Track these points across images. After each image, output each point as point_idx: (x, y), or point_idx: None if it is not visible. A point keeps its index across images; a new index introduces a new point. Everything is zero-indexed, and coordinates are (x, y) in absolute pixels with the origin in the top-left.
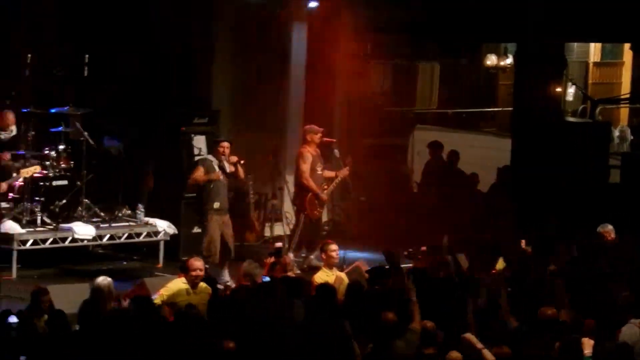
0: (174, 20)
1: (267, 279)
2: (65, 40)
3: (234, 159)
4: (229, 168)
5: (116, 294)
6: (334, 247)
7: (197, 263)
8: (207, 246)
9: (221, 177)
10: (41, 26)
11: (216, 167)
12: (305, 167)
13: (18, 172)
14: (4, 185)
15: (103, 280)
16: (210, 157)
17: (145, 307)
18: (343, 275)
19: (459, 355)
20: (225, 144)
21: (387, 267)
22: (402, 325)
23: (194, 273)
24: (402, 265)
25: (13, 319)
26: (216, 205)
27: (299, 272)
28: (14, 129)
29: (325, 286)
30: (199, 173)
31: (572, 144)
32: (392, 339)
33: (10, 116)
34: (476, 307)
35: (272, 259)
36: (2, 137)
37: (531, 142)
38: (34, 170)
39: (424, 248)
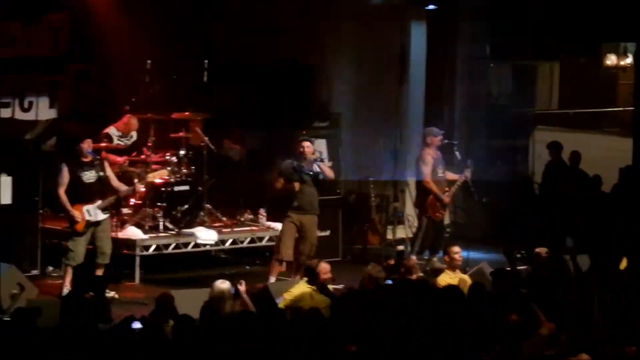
0: (293, 24)
1: (390, 281)
2: (185, 45)
3: (312, 156)
4: (314, 168)
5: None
6: (456, 249)
7: (327, 265)
8: (276, 245)
9: (297, 188)
10: (160, 31)
11: (295, 171)
12: (426, 170)
13: (140, 179)
14: (139, 187)
15: (222, 283)
16: (290, 160)
17: (269, 312)
18: (466, 277)
19: (588, 357)
20: (306, 143)
21: (509, 268)
22: (527, 327)
23: (324, 276)
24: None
25: (137, 325)
26: (295, 203)
27: (421, 274)
28: (134, 135)
29: (449, 288)
30: (278, 184)
31: None
32: (519, 341)
33: (134, 121)
34: (601, 307)
35: (393, 262)
36: (123, 143)
37: None
38: (161, 174)
39: (539, 250)
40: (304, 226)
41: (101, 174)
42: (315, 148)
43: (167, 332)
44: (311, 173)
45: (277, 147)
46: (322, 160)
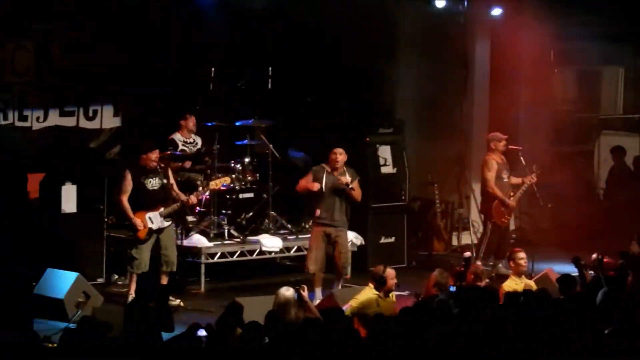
0: (358, 32)
1: (453, 288)
2: (248, 53)
3: (345, 179)
4: (345, 177)
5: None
6: (522, 254)
7: (393, 271)
8: (306, 257)
9: (316, 188)
10: (224, 39)
11: (324, 176)
12: (490, 175)
13: (204, 186)
14: (193, 198)
15: (286, 290)
16: (324, 164)
17: (336, 319)
18: (532, 283)
19: None
20: (338, 150)
21: (575, 275)
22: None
23: (392, 281)
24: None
25: (202, 333)
26: (317, 213)
27: (487, 280)
28: (199, 142)
29: (514, 294)
30: (304, 180)
31: None
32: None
33: (191, 123)
34: None
35: (462, 268)
36: (188, 149)
37: None
38: (223, 181)
39: (595, 256)
40: (330, 237)
41: (164, 181)
42: (380, 154)
43: (233, 340)
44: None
45: None
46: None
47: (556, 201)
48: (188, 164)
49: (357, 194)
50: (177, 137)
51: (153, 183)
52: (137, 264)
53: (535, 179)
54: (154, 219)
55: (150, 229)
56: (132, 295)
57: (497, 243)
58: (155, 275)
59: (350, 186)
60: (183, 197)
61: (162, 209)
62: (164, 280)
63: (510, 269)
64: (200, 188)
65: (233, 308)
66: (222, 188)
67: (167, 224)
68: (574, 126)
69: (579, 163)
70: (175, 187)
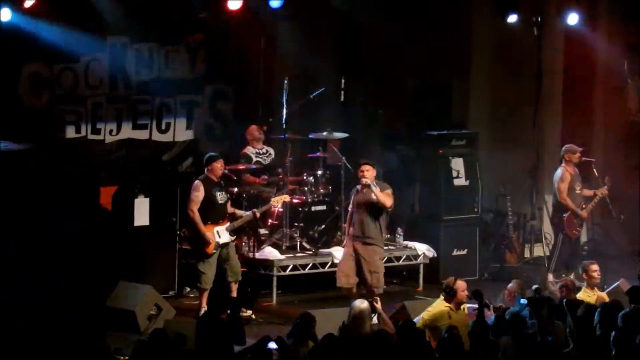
0: (431, 44)
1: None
2: (323, 65)
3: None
4: (372, 197)
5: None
6: (595, 267)
7: (464, 283)
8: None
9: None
10: (295, 51)
11: (353, 196)
12: (563, 186)
13: (273, 200)
14: (259, 212)
15: (361, 303)
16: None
17: (409, 332)
18: (604, 295)
19: None
20: (364, 167)
21: None
22: None
23: (463, 293)
24: None
25: (273, 345)
26: (350, 230)
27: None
28: (272, 153)
29: (590, 306)
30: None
31: None
32: None
33: (255, 133)
34: None
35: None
36: (262, 160)
37: None
38: (283, 199)
39: None
40: (358, 253)
41: (228, 196)
42: (453, 167)
43: (304, 353)
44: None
45: (415, 166)
46: (368, 186)
47: (629, 213)
48: (264, 179)
49: (384, 198)
50: (249, 150)
51: (221, 197)
52: (205, 278)
53: (607, 191)
54: (222, 234)
55: (217, 243)
56: (204, 309)
57: (568, 255)
58: (225, 287)
59: (370, 185)
60: (238, 212)
61: (227, 224)
62: (234, 291)
63: (583, 281)
64: (273, 200)
65: (304, 320)
66: (295, 201)
67: (230, 238)
68: None
69: None
70: (229, 205)
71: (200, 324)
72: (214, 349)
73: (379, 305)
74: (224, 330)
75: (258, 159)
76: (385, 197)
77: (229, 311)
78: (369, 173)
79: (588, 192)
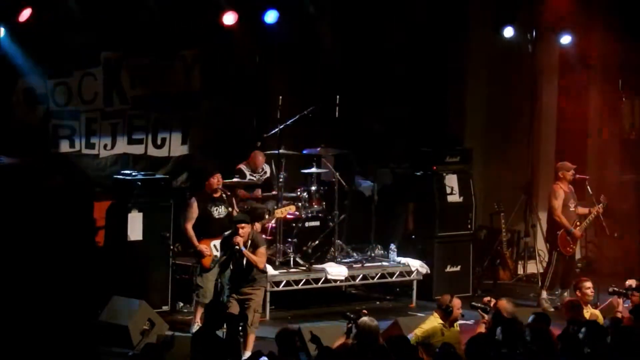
0: (426, 60)
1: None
2: (315, 81)
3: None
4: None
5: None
6: (588, 284)
7: (459, 301)
8: None
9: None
10: (290, 67)
11: None
12: (557, 204)
13: (270, 214)
14: (258, 226)
15: (371, 321)
16: None
17: (402, 348)
18: (597, 312)
19: None
20: (240, 225)
21: None
22: None
23: (458, 311)
24: None
25: None
26: None
27: (552, 309)
28: (267, 171)
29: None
30: None
31: None
32: None
33: (260, 157)
34: None
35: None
36: (255, 178)
37: None
38: (289, 209)
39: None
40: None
41: (230, 209)
42: (447, 183)
43: None
44: None
45: (408, 183)
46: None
47: (623, 230)
48: (259, 193)
49: (256, 260)
50: (244, 167)
51: (220, 211)
52: (203, 292)
53: (602, 210)
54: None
55: (215, 257)
56: (197, 324)
57: (562, 272)
58: (223, 303)
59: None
60: None
61: None
62: (234, 307)
63: (577, 298)
64: (267, 216)
65: (283, 336)
66: (289, 216)
67: None
68: None
69: None
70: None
71: (195, 341)
72: None
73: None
74: (220, 346)
75: (252, 177)
76: (258, 259)
77: (225, 327)
78: (243, 231)
79: (583, 210)
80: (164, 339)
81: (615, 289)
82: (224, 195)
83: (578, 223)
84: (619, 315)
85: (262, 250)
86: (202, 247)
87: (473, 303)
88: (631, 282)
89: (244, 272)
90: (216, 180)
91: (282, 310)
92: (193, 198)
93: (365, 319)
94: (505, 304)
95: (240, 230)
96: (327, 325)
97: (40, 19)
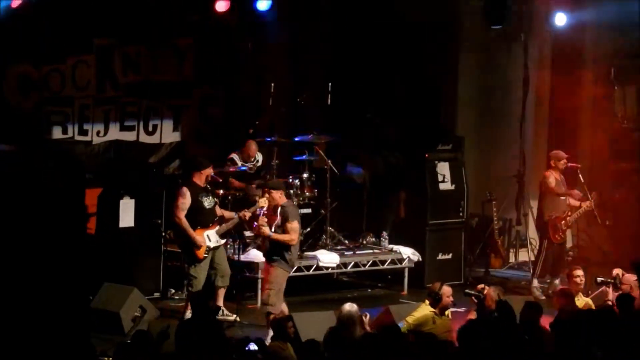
0: (418, 48)
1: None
2: (308, 69)
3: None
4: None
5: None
6: (579, 272)
7: (449, 289)
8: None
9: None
10: (282, 55)
11: None
12: (552, 182)
13: (258, 202)
14: (248, 214)
15: (351, 307)
16: None
17: (393, 336)
18: (589, 300)
19: None
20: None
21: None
22: None
23: (448, 299)
24: None
25: (253, 347)
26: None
27: (543, 297)
28: (260, 159)
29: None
30: None
31: None
32: None
33: (253, 147)
34: None
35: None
36: (247, 167)
37: None
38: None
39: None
40: None
41: (216, 200)
42: (439, 171)
43: (285, 355)
44: None
45: (400, 170)
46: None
47: (614, 219)
48: (251, 184)
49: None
50: (236, 156)
51: (209, 201)
52: (197, 282)
53: (593, 205)
54: (212, 237)
55: (208, 247)
56: (190, 312)
57: (552, 260)
58: (209, 293)
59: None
60: (228, 214)
61: (217, 227)
62: (221, 296)
63: (569, 286)
64: (259, 201)
65: (276, 324)
66: None
67: (222, 241)
68: (633, 143)
69: (638, 180)
70: (217, 208)
71: (180, 329)
72: (193, 354)
73: (366, 320)
74: (203, 336)
75: (243, 166)
76: (285, 237)
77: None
78: (268, 197)
79: (574, 202)
80: (161, 329)
81: (602, 278)
82: (208, 186)
83: (569, 213)
84: (610, 304)
85: (289, 225)
86: (200, 237)
87: (467, 290)
88: (618, 272)
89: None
90: (209, 171)
91: None
92: (185, 188)
93: (346, 305)
94: (491, 292)
95: (266, 196)
96: (318, 313)
97: (33, 4)
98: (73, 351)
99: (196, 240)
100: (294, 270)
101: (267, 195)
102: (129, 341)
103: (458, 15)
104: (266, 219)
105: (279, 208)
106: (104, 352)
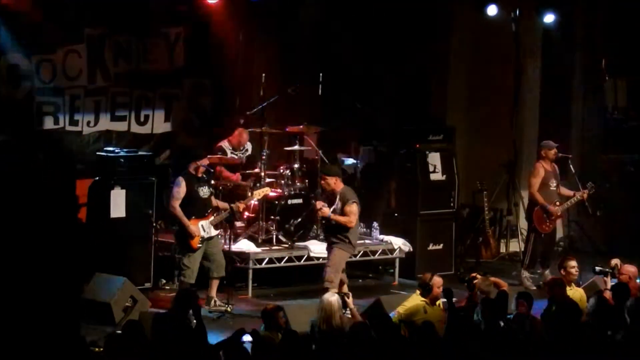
0: (409, 38)
1: None
2: (300, 58)
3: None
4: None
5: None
6: (573, 262)
7: (440, 279)
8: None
9: None
10: (275, 45)
11: None
12: (535, 181)
13: (251, 193)
14: (242, 205)
15: (331, 295)
16: None
17: (384, 326)
18: (581, 291)
19: None
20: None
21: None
22: None
23: (438, 289)
24: None
25: (247, 338)
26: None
27: (534, 288)
28: (249, 148)
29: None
30: None
31: None
32: None
33: (245, 135)
34: None
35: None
36: (237, 156)
37: None
38: (265, 191)
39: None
40: None
41: (212, 190)
42: (429, 161)
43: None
44: None
45: (391, 161)
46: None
47: (604, 209)
48: (238, 177)
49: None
50: (225, 144)
51: (205, 191)
52: (189, 273)
53: (586, 196)
54: (206, 228)
55: (202, 237)
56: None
57: (541, 251)
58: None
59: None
60: (222, 205)
61: (212, 217)
62: (215, 287)
63: (561, 277)
64: (250, 194)
65: (267, 314)
66: (272, 194)
67: (216, 232)
68: (627, 134)
69: (629, 172)
70: (213, 198)
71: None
72: (169, 347)
73: (350, 301)
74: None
75: (233, 154)
76: (345, 219)
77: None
78: (324, 182)
79: (567, 192)
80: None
81: (600, 268)
82: (204, 176)
83: (558, 203)
84: (608, 294)
85: (347, 208)
86: (194, 227)
87: (464, 277)
88: (616, 261)
89: (326, 228)
90: (205, 161)
91: (265, 287)
92: (181, 177)
93: (326, 294)
94: (480, 283)
95: (322, 182)
96: (309, 303)
97: None
98: (64, 342)
99: (190, 230)
100: (284, 260)
101: (321, 181)
102: (119, 331)
103: (449, 3)
104: (324, 203)
105: (337, 194)
106: (94, 343)
